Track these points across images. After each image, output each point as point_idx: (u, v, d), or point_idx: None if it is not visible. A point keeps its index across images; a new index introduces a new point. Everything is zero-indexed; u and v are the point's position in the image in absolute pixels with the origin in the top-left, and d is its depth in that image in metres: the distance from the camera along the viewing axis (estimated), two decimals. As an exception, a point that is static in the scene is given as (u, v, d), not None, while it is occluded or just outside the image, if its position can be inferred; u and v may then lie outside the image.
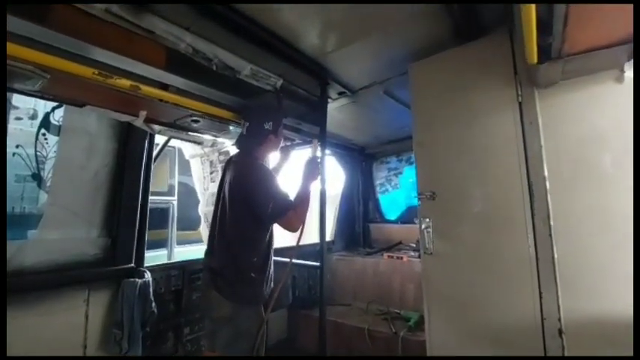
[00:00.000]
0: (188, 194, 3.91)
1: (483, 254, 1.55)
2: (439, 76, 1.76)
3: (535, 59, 1.16)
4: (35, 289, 1.57)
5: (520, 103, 1.47)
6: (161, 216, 3.83)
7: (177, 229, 4.02)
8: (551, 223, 1.35)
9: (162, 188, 3.85)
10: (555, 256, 1.34)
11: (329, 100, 2.39)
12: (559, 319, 1.31)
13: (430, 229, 1.70)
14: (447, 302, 1.66)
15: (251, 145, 1.73)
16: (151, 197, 2.10)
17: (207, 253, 1.74)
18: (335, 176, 3.91)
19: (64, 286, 1.66)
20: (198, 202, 2.58)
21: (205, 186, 2.26)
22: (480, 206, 1.57)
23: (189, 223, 4.01)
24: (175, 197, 3.93)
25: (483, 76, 1.59)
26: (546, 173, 1.38)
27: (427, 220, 1.71)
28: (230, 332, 1.58)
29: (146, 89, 1.43)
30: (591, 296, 1.29)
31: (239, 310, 1.58)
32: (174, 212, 3.83)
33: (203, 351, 1.85)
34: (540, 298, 1.36)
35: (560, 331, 1.30)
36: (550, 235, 1.35)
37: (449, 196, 1.67)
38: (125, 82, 1.36)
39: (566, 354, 1.29)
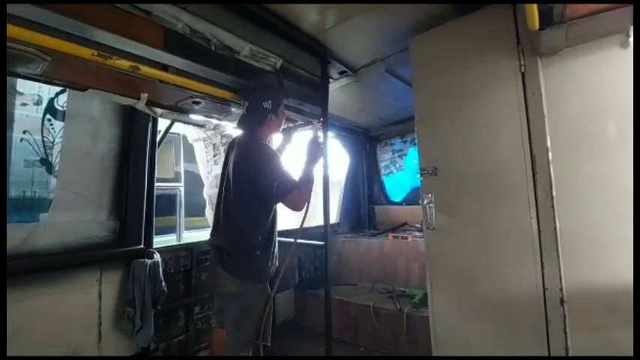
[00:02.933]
0: (194, 181, 3.95)
1: (486, 227, 1.55)
2: (440, 50, 1.73)
3: (537, 25, 1.14)
4: (49, 269, 1.63)
5: (523, 74, 1.45)
6: (169, 202, 3.90)
7: (185, 216, 4.09)
8: (554, 194, 1.35)
9: (168, 175, 3.90)
10: (557, 227, 1.34)
11: (330, 80, 2.37)
12: (561, 289, 1.32)
13: (432, 205, 1.71)
14: (449, 276, 1.68)
15: (252, 125, 1.74)
16: (157, 184, 2.13)
17: (213, 232, 1.78)
18: (338, 161, 3.90)
19: (76, 266, 1.72)
20: (203, 187, 2.62)
21: (209, 169, 2.29)
22: (482, 180, 1.56)
23: (196, 209, 4.07)
24: (182, 183, 3.99)
25: (486, 48, 1.56)
26: (549, 144, 1.36)
27: (429, 195, 1.72)
28: (237, 308, 1.63)
29: (145, 70, 1.43)
30: (593, 266, 1.29)
31: (245, 286, 1.62)
32: (181, 198, 3.90)
33: (213, 327, 1.90)
34: (542, 268, 1.37)
35: (561, 301, 1.31)
36: (552, 206, 1.35)
37: (451, 171, 1.67)
38: (124, 63, 1.37)
39: (567, 323, 1.30)
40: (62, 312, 1.66)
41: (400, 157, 3.91)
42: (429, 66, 1.77)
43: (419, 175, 1.77)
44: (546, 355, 1.34)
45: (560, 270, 1.33)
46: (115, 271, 1.85)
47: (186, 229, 3.97)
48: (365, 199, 3.98)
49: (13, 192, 1.66)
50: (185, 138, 4.03)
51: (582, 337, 1.28)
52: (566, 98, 1.36)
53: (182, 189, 3.96)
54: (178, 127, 3.60)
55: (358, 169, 3.96)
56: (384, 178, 4.03)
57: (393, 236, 3.17)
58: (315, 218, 2.70)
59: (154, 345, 1.94)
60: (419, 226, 3.27)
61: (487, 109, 1.56)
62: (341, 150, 3.83)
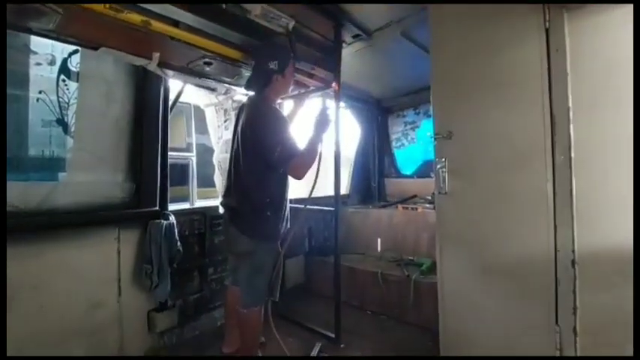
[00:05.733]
0: (206, 153, 4.00)
1: (499, 191, 1.53)
2: (460, 7, 1.65)
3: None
4: (70, 226, 1.70)
5: (547, 30, 1.37)
6: (182, 172, 3.97)
7: (197, 187, 4.17)
8: (572, 155, 1.31)
9: (180, 145, 3.95)
10: (574, 188, 1.31)
11: (343, 44, 2.31)
12: (573, 251, 1.31)
13: (445, 169, 1.69)
14: (460, 240, 1.68)
15: (258, 86, 1.72)
16: (170, 153, 2.16)
17: (225, 194, 1.81)
18: (349, 134, 3.84)
19: (95, 224, 1.79)
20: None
21: (219, 134, 2.29)
22: (498, 142, 1.53)
23: (207, 180, 4.14)
24: (194, 153, 4.05)
25: (509, 2, 1.48)
26: (570, 103, 1.31)
27: (443, 160, 1.69)
28: (249, 266, 1.68)
29: (157, 25, 1.41)
30: (607, 227, 1.27)
31: (257, 245, 1.66)
32: (193, 167, 3.98)
33: (228, 286, 1.98)
34: (555, 231, 1.36)
35: (573, 262, 1.31)
36: (570, 167, 1.31)
37: (466, 134, 1.63)
38: (136, 17, 1.35)
39: (577, 284, 1.31)
40: (83, 267, 1.73)
41: (412, 129, 3.84)
42: (448, 25, 1.70)
43: (433, 139, 1.74)
44: (554, 313, 1.35)
45: (573, 232, 1.31)
46: (132, 230, 1.91)
47: (199, 198, 4.06)
48: (375, 171, 3.96)
49: (32, 151, 1.70)
50: (196, 109, 4.05)
51: (591, 297, 1.29)
52: (591, 54, 1.30)
53: (194, 159, 4.02)
54: (190, 97, 3.61)
55: (369, 141, 3.92)
56: (395, 151, 3.99)
57: (403, 207, 3.18)
58: (324, 189, 2.72)
59: (170, 301, 2.04)
60: (429, 198, 3.26)
61: (507, 68, 1.50)
62: (352, 121, 3.78)
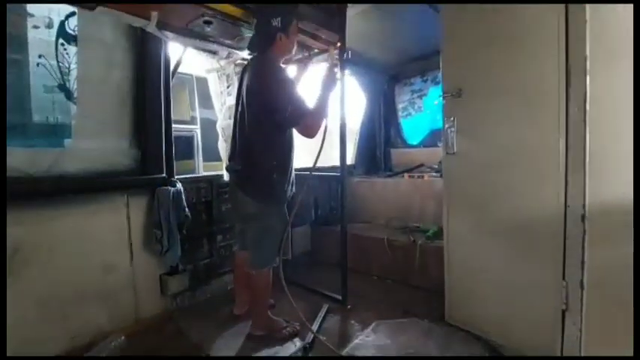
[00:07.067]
0: (210, 128, 3.97)
1: (509, 148, 1.51)
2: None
3: None
4: (78, 191, 1.71)
5: (566, -28, 1.29)
6: (187, 145, 3.96)
7: (203, 161, 4.17)
8: (587, 107, 1.26)
9: (184, 117, 3.93)
10: (587, 143, 1.28)
11: (348, 5, 2.21)
12: (583, 205, 1.29)
13: (454, 129, 1.65)
14: (467, 199, 1.68)
15: (261, 45, 1.67)
16: (175, 125, 2.14)
17: (230, 157, 1.81)
18: (354, 106, 3.75)
19: (104, 190, 1.80)
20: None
21: (222, 101, 2.26)
22: (508, 98, 1.48)
23: (213, 155, 4.14)
24: (198, 126, 4.03)
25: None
26: (588, 52, 1.25)
27: (451, 119, 1.66)
28: (256, 229, 1.70)
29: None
30: (620, 183, 1.25)
31: (264, 208, 1.67)
32: (198, 140, 3.97)
33: (235, 252, 2.01)
34: (566, 186, 1.33)
35: (583, 217, 1.29)
36: (584, 121, 1.27)
37: (476, 91, 1.58)
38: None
39: (587, 238, 1.29)
40: (95, 232, 1.76)
41: (419, 97, 3.75)
42: (459, -25, 1.61)
43: (441, 99, 1.69)
44: (561, 269, 1.36)
45: (584, 187, 1.29)
46: (140, 196, 1.93)
47: (205, 171, 4.07)
48: (381, 141, 3.92)
49: (36, 117, 1.70)
50: (199, 81, 3.98)
51: (599, 252, 1.28)
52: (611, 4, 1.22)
53: (199, 131, 4.00)
54: (192, 68, 3.54)
55: (375, 111, 3.85)
56: (402, 121, 3.92)
57: (409, 176, 3.16)
58: (330, 160, 2.70)
59: (182, 266, 2.09)
60: (436, 166, 3.23)
61: (521, 17, 1.42)
62: (358, 90, 3.69)
